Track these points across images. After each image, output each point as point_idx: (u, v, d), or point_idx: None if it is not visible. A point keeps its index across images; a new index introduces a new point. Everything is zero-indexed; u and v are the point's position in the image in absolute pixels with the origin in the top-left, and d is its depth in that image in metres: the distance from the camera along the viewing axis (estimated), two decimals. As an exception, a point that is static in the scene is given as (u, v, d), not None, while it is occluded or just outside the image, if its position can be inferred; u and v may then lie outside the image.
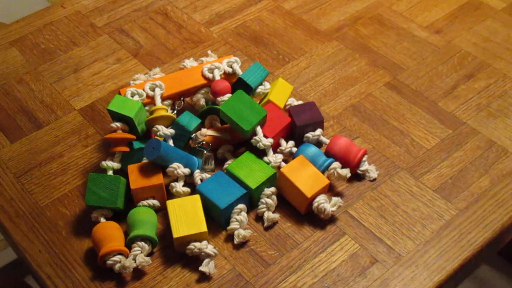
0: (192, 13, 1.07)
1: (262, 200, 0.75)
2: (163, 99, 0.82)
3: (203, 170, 0.78)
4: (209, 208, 0.74)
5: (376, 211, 0.76)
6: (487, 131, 0.85)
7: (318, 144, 0.81)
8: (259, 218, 0.76)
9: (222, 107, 0.77)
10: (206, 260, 0.70)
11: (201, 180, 0.76)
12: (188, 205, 0.72)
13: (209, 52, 0.89)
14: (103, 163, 0.77)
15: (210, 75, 0.83)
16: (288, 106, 0.84)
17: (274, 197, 0.75)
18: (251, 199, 0.76)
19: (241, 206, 0.74)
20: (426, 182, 0.79)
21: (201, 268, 0.70)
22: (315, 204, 0.74)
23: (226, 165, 0.78)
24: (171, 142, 0.77)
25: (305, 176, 0.74)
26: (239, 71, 0.84)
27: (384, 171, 0.80)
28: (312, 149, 0.79)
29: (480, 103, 0.89)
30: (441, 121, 0.86)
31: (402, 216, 0.75)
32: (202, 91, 0.84)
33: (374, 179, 0.79)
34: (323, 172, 0.77)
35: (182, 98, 0.84)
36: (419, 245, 0.72)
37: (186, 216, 0.71)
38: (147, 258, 0.70)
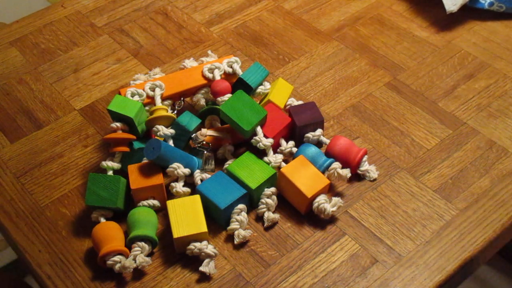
0: (192, 13, 1.07)
1: (262, 200, 0.75)
2: (163, 99, 0.82)
3: (203, 170, 0.78)
4: (209, 208, 0.74)
5: (376, 211, 0.76)
6: (487, 131, 0.85)
7: (318, 144, 0.81)
8: (259, 218, 0.76)
9: (222, 107, 0.77)
10: (206, 260, 0.70)
11: (201, 180, 0.76)
12: (188, 205, 0.72)
13: (209, 52, 0.89)
14: (103, 163, 0.77)
15: (210, 75, 0.83)
16: (288, 106, 0.84)
17: (274, 197, 0.75)
18: (251, 199, 0.75)
19: (241, 206, 0.74)
20: (426, 182, 0.79)
21: (201, 268, 0.70)
22: (315, 204, 0.74)
23: (226, 165, 0.78)
24: (171, 142, 0.77)
25: (305, 176, 0.74)
26: (239, 71, 0.84)
27: (384, 171, 0.80)
28: (312, 149, 0.79)
29: (480, 103, 0.89)
30: (441, 121, 0.86)
31: (402, 216, 0.75)
32: (202, 91, 0.84)
33: (374, 179, 0.79)
34: (323, 172, 0.77)
35: (182, 98, 0.84)
36: (419, 245, 0.72)
37: (186, 216, 0.71)
38: (147, 258, 0.70)
